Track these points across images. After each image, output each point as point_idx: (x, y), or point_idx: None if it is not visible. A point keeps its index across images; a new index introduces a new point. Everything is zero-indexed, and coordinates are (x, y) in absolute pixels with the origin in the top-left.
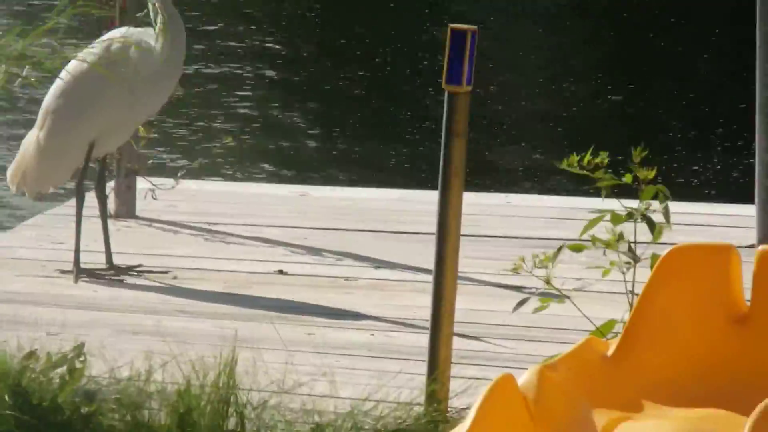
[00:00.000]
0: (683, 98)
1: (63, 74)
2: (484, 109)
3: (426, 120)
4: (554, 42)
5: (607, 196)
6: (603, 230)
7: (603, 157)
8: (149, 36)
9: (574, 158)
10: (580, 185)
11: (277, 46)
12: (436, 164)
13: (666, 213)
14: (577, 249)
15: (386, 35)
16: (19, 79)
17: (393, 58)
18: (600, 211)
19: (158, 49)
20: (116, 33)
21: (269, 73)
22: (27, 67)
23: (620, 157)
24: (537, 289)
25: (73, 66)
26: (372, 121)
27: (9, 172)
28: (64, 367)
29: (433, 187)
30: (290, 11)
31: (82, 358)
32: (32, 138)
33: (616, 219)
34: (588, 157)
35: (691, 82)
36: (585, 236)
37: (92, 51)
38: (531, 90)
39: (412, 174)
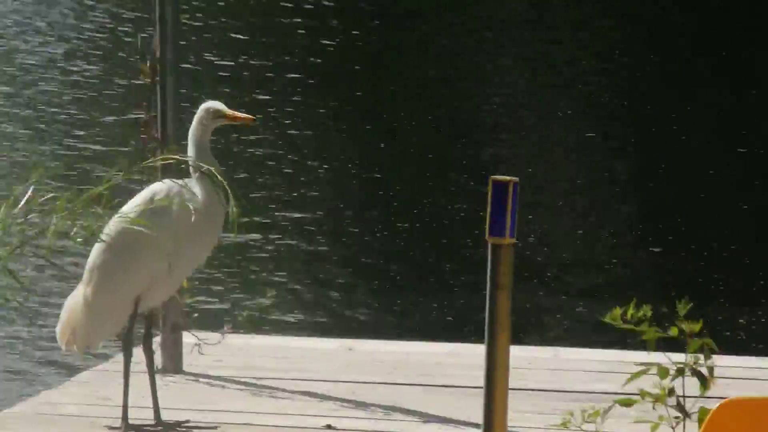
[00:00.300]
0: (726, 249)
1: (106, 230)
2: (526, 259)
3: (471, 272)
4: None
5: (654, 349)
6: (650, 384)
7: (645, 311)
8: (189, 188)
9: (617, 312)
10: (628, 337)
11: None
12: (482, 316)
13: (710, 368)
14: (627, 404)
15: (426, 186)
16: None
17: (433, 209)
18: (646, 364)
19: (199, 205)
20: (157, 187)
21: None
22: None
23: (664, 310)
24: None
25: (116, 221)
26: (416, 273)
27: (58, 331)
28: None
29: (481, 341)
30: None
31: None
32: (78, 295)
33: (663, 373)
34: (631, 311)
35: (734, 232)
36: (630, 389)
37: (134, 205)
38: (571, 239)
39: (460, 327)
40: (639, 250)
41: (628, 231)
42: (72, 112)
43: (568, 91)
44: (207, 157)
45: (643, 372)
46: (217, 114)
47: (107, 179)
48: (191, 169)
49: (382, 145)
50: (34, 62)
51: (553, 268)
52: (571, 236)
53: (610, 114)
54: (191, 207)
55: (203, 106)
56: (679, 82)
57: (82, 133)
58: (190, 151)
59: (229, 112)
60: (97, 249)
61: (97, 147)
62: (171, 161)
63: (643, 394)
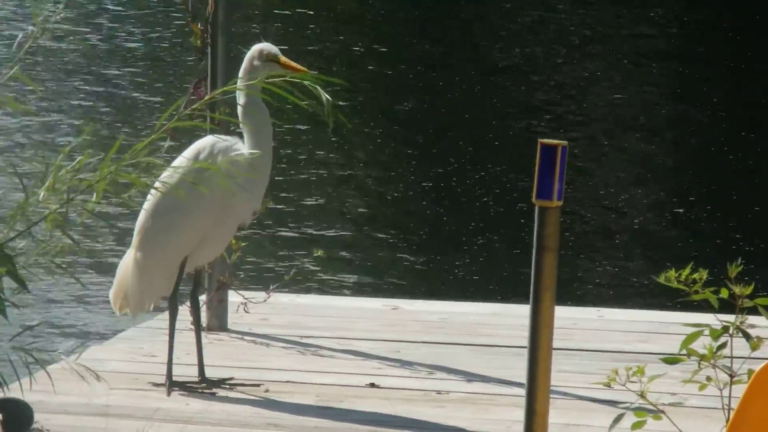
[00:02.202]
0: None
1: (154, 190)
2: (574, 221)
3: (518, 233)
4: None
5: (717, 309)
6: (698, 345)
7: (702, 274)
8: (237, 141)
9: (672, 273)
10: (670, 299)
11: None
12: (529, 277)
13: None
14: (672, 361)
15: (474, 146)
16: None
17: (481, 169)
18: (697, 325)
19: (246, 155)
20: (203, 142)
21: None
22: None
23: (715, 270)
24: (631, 403)
25: (164, 179)
26: (461, 234)
27: (111, 295)
28: None
29: (526, 301)
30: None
31: None
32: (129, 258)
33: (714, 334)
34: (686, 272)
35: None
36: (674, 350)
37: (182, 162)
38: (623, 202)
39: (505, 288)
40: (688, 214)
41: (675, 195)
42: (123, 73)
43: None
44: (256, 103)
45: (699, 333)
46: (270, 57)
47: (158, 128)
48: (239, 116)
49: (429, 104)
50: (82, 20)
51: (599, 230)
52: (616, 199)
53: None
54: (238, 160)
55: (256, 46)
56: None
57: (134, 94)
58: (239, 96)
59: (283, 58)
60: (145, 210)
61: (148, 104)
62: (219, 119)
63: (690, 352)
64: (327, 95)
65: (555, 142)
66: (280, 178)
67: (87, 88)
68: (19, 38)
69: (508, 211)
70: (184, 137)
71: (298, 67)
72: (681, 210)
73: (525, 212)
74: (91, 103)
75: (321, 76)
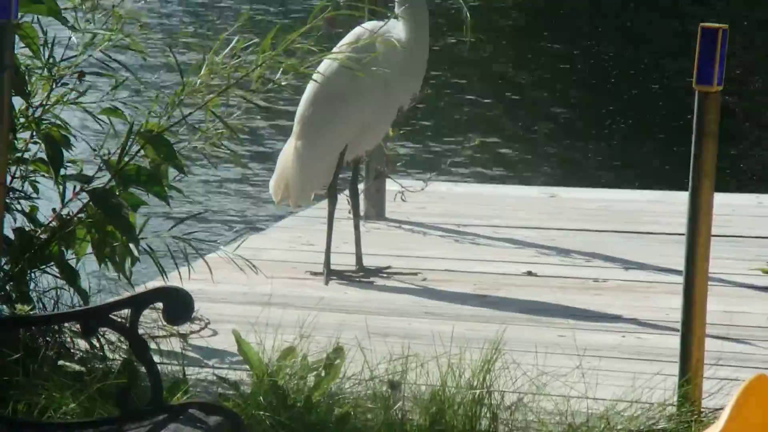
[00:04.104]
0: None
1: (315, 77)
2: (736, 109)
3: (678, 119)
4: None
5: None
6: None
7: None
8: (394, 28)
9: None
10: None
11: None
12: (687, 165)
13: None
14: None
15: (636, 36)
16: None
17: (642, 56)
18: None
19: (404, 40)
20: (361, 29)
21: (509, 82)
22: (281, 71)
23: None
24: None
25: (323, 68)
26: (619, 122)
27: (272, 185)
28: (319, 369)
29: (684, 188)
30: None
31: (338, 360)
32: (290, 148)
33: None
34: None
35: None
36: None
37: (341, 50)
38: None
39: (663, 175)
40: None
41: None
42: None
43: None
44: None
45: None
46: None
47: (312, 16)
48: (396, 4)
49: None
50: None
51: (757, 117)
52: None
53: None
54: (397, 44)
55: None
56: None
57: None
58: None
59: None
60: (305, 99)
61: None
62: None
63: None
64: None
65: (716, 25)
66: (437, 73)
67: None
68: None
69: (667, 97)
70: (342, 26)
71: None
72: None
73: (684, 98)
74: None
75: None
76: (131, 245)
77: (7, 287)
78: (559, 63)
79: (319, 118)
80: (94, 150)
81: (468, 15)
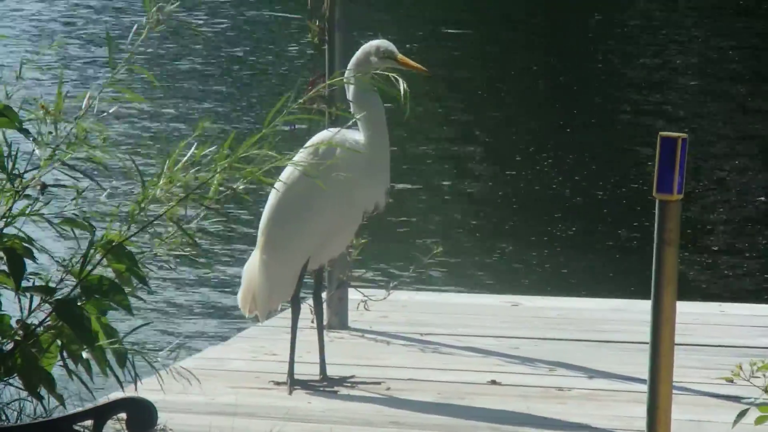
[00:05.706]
0: None
1: (276, 185)
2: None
3: (636, 229)
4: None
5: None
6: None
7: None
8: (354, 134)
9: None
10: None
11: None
12: (648, 274)
13: None
14: None
15: (593, 143)
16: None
17: (600, 166)
18: None
19: (363, 142)
20: (320, 136)
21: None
22: (240, 180)
23: None
24: (755, 399)
25: (285, 176)
26: (581, 230)
27: (239, 298)
28: None
29: (646, 297)
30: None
31: None
32: (255, 261)
33: None
34: None
35: None
36: None
37: (301, 159)
38: (737, 196)
39: (624, 284)
40: None
41: None
42: (239, 69)
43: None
44: (368, 98)
45: None
46: (386, 54)
47: (268, 121)
48: (352, 109)
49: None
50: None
51: (718, 224)
52: (734, 193)
53: None
54: (357, 152)
55: (373, 42)
56: None
57: (250, 90)
58: (349, 92)
59: (400, 56)
60: (267, 209)
61: (264, 100)
62: (336, 114)
63: None
64: (406, 86)
65: (675, 134)
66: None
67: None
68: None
69: (627, 207)
70: (301, 132)
71: (417, 65)
72: None
73: (644, 206)
74: (210, 94)
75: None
76: (90, 357)
77: None
78: (526, 175)
79: (281, 231)
80: (57, 261)
81: (407, 92)
